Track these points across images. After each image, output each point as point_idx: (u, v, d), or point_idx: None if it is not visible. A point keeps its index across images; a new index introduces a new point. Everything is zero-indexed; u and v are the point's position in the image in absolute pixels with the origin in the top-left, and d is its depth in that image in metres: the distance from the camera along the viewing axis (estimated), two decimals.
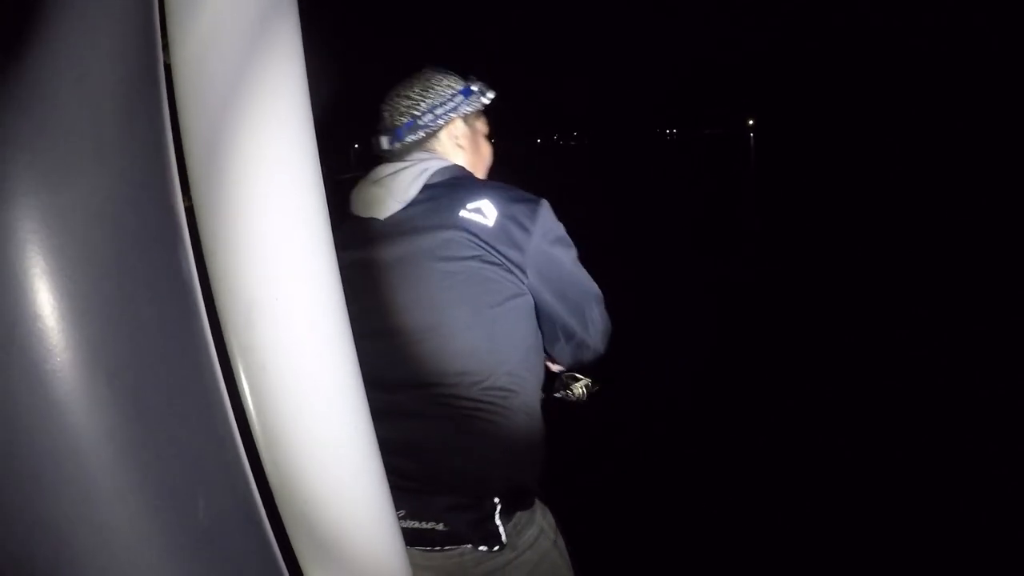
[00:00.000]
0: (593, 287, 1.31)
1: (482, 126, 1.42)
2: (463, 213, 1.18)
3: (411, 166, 1.27)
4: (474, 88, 1.35)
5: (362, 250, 1.26)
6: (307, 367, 0.51)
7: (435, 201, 1.22)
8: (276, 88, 0.49)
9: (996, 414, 3.06)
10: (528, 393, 1.23)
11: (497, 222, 1.18)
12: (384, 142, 1.32)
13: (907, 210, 8.98)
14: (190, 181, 0.50)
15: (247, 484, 0.48)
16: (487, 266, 1.17)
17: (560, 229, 1.25)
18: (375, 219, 1.25)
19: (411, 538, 1.13)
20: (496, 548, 1.15)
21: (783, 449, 3.12)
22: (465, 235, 1.17)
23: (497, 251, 1.17)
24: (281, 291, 0.50)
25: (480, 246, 1.17)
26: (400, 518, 1.07)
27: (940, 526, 2.37)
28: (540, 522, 1.24)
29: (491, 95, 1.38)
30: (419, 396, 1.18)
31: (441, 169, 1.27)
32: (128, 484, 0.39)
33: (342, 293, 0.54)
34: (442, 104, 1.32)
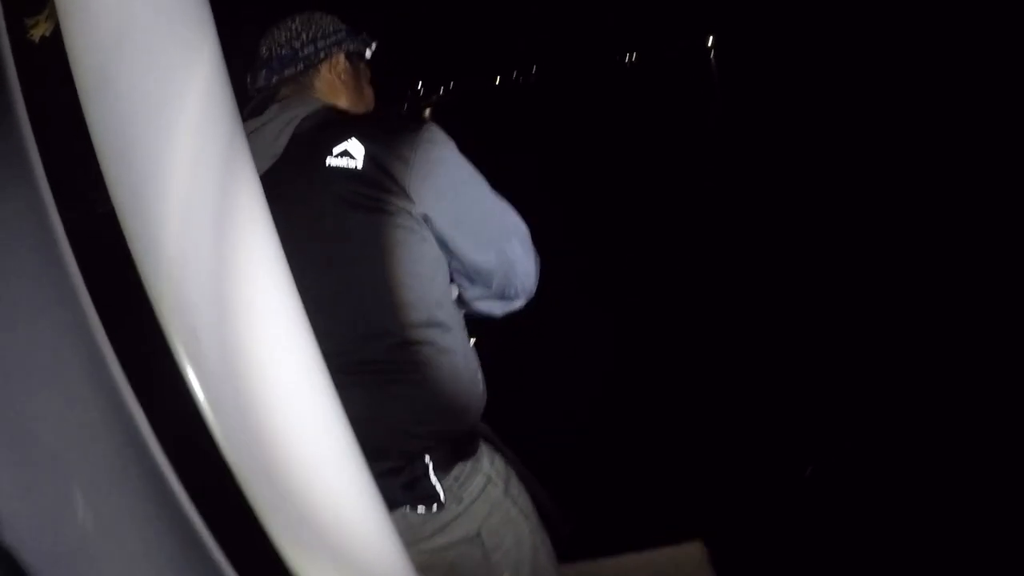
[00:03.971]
0: (511, 219, 1.17)
1: (366, 71, 1.31)
2: (330, 161, 1.06)
3: (275, 118, 1.14)
4: (359, 35, 1.27)
5: None
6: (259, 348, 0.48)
7: (302, 154, 1.10)
8: (194, 77, 0.44)
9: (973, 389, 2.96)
10: (448, 341, 1.13)
11: (367, 162, 1.05)
12: (261, 77, 1.21)
13: (904, 148, 7.14)
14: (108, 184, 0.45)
15: (162, 482, 0.46)
16: (370, 215, 1.06)
17: (454, 155, 1.11)
18: None
19: None
20: (435, 507, 1.09)
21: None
22: (336, 187, 1.06)
23: (375, 195, 1.05)
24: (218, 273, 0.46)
25: (357, 195, 1.05)
26: None
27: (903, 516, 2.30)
28: (487, 470, 1.16)
29: (375, 45, 1.30)
30: (332, 366, 1.06)
31: (310, 115, 1.14)
32: None
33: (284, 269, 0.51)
34: (324, 36, 1.22)
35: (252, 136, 1.13)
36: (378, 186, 1.05)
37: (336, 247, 1.08)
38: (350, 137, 1.06)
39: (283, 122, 1.13)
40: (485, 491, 1.14)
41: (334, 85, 1.23)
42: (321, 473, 0.53)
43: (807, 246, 5.04)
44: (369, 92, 1.31)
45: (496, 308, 1.23)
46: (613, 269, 5.22)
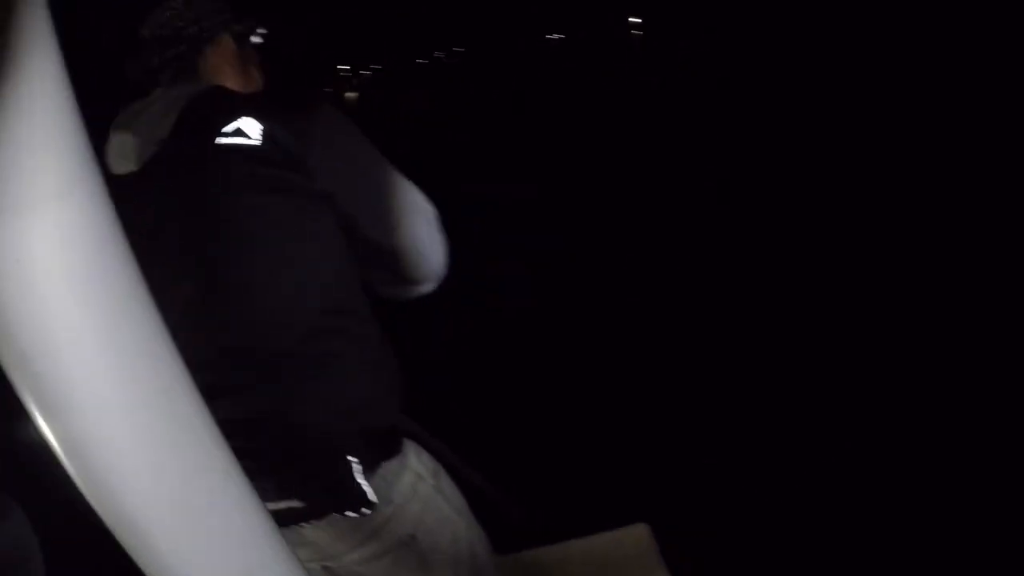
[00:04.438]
0: (416, 197, 1.11)
1: (253, 54, 1.24)
2: (220, 140, 0.98)
3: (159, 99, 1.06)
4: (244, 19, 1.21)
5: (130, 213, 1.01)
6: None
7: (189, 134, 1.01)
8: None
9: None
10: (361, 329, 1.06)
11: (265, 137, 0.97)
12: (142, 59, 1.13)
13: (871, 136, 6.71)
14: None
15: None
16: (267, 195, 0.99)
17: (353, 130, 1.06)
18: (132, 172, 1.04)
19: (277, 520, 0.96)
20: (365, 510, 1.01)
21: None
22: (229, 167, 0.98)
23: (272, 174, 0.98)
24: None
25: (252, 175, 0.98)
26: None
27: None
28: (415, 466, 1.09)
29: (261, 31, 1.23)
30: (238, 365, 1.02)
31: (197, 96, 1.05)
32: None
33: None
34: (209, 16, 1.15)
35: (134, 119, 1.06)
36: (275, 164, 0.97)
37: (232, 232, 0.99)
38: (243, 115, 0.98)
39: (168, 103, 1.04)
40: (416, 489, 1.07)
41: (220, 67, 1.16)
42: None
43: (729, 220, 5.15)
44: (257, 77, 1.24)
45: (402, 292, 1.17)
46: (540, 250, 5.17)
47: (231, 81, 1.17)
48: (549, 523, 1.84)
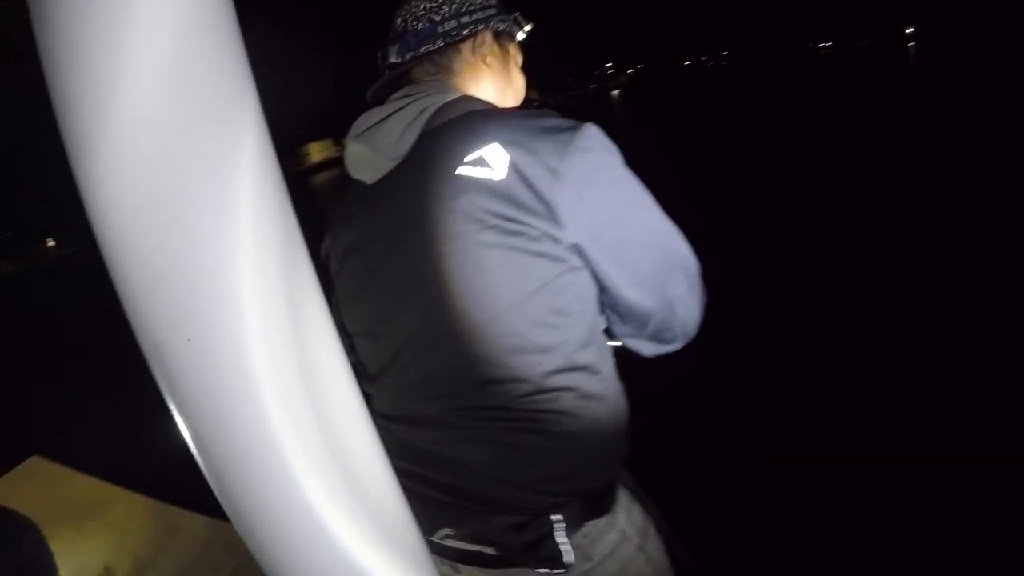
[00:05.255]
0: (679, 250, 0.95)
1: (517, 54, 1.13)
2: (461, 170, 0.87)
3: (403, 108, 0.96)
4: (511, 13, 1.09)
5: (358, 228, 1.01)
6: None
7: (431, 155, 0.92)
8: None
9: None
10: (593, 386, 0.94)
11: (510, 173, 0.85)
12: (392, 53, 1.04)
13: None
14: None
15: None
16: (507, 238, 0.86)
17: (615, 167, 0.90)
18: (363, 183, 1.00)
19: (462, 557, 0.98)
20: (558, 571, 0.93)
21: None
22: (466, 201, 0.86)
23: (514, 215, 0.85)
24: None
25: (491, 213, 0.85)
26: (446, 537, 0.98)
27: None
28: (622, 525, 1.00)
29: (528, 27, 1.10)
30: (451, 407, 0.94)
31: (445, 106, 0.95)
32: None
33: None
34: (469, 11, 1.03)
35: (374, 132, 0.98)
36: (519, 204, 0.86)
37: (459, 275, 0.88)
38: (489, 141, 0.87)
39: (411, 115, 0.95)
40: (618, 548, 0.99)
41: (477, 69, 1.06)
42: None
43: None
44: (520, 81, 1.13)
45: (646, 349, 1.03)
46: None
47: (488, 86, 1.07)
48: None
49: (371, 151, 0.97)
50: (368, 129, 0.99)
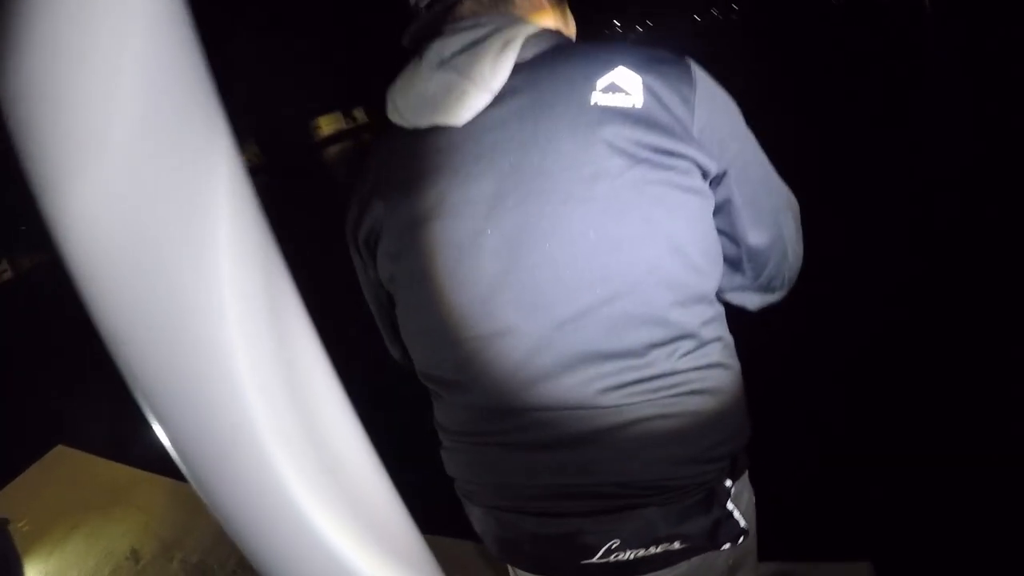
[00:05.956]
0: (782, 184, 0.87)
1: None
2: (596, 98, 0.74)
3: (487, 35, 0.79)
4: None
5: (438, 187, 0.80)
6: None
7: (547, 86, 0.76)
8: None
9: None
10: (727, 332, 0.85)
11: (647, 98, 0.74)
12: None
13: None
14: None
15: None
16: (661, 173, 0.74)
17: (729, 99, 0.81)
18: (447, 128, 0.79)
19: (637, 567, 0.84)
20: (741, 540, 0.85)
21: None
22: (611, 132, 0.73)
23: (665, 145, 0.73)
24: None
25: (640, 144, 0.73)
26: (614, 550, 0.83)
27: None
28: (747, 481, 0.91)
29: None
30: (610, 386, 0.78)
31: (534, 36, 0.80)
32: None
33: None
34: None
35: (467, 58, 0.78)
36: (666, 131, 0.74)
37: (614, 223, 0.74)
38: (616, 64, 0.75)
39: (499, 44, 0.78)
40: (751, 504, 0.92)
41: (537, 6, 0.88)
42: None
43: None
44: (573, 23, 0.97)
45: (754, 301, 0.94)
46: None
47: (550, 22, 0.89)
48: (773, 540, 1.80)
49: (460, 80, 0.78)
50: (456, 55, 0.79)
